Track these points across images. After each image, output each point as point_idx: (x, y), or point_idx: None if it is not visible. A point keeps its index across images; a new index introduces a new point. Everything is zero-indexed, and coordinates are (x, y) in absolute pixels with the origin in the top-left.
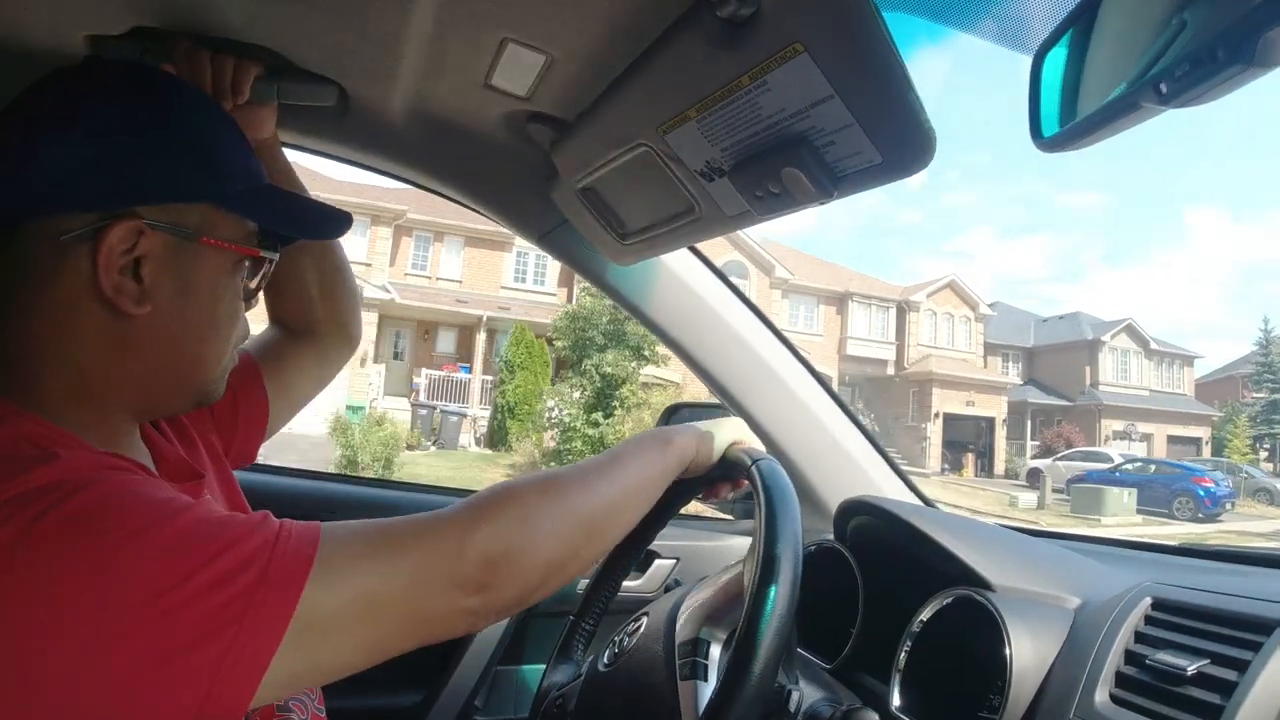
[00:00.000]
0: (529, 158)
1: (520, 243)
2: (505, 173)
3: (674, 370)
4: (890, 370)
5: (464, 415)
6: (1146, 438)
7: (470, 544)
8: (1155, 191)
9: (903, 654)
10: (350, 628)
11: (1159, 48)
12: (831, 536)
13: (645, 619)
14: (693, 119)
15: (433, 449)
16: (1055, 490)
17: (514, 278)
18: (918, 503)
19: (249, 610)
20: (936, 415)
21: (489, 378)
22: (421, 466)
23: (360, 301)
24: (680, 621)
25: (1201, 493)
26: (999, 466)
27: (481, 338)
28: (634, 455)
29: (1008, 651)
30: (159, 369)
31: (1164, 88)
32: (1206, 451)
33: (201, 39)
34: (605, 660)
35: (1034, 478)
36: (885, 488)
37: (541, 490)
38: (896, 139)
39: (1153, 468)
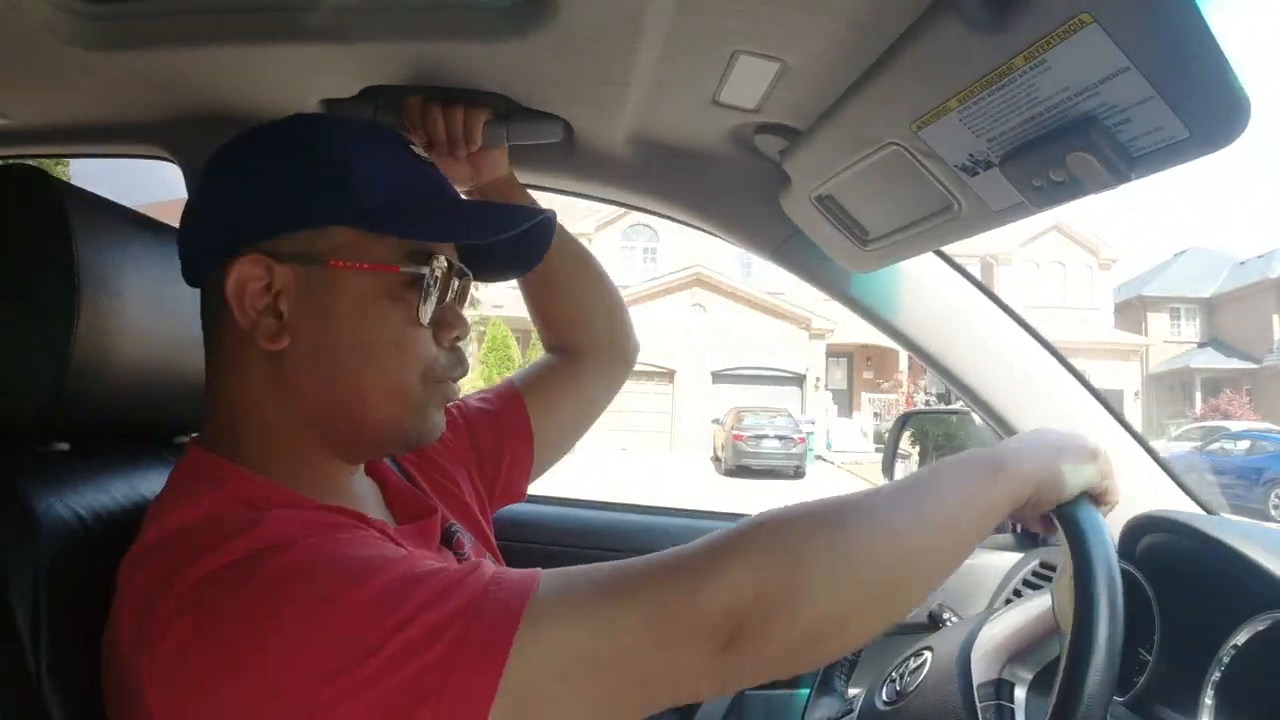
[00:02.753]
0: (757, 171)
1: None
2: (733, 188)
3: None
4: None
5: None
6: None
7: (713, 587)
8: None
9: (1210, 688)
10: (570, 695)
11: None
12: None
13: (929, 655)
14: (954, 110)
15: None
16: None
17: None
18: (1204, 514)
19: (449, 681)
20: None
21: None
22: None
23: (629, 314)
24: (975, 659)
25: None
26: None
27: None
28: (947, 483)
29: None
30: (326, 405)
31: None
32: None
33: (431, 92)
34: (884, 697)
35: None
36: (1168, 499)
37: (815, 522)
38: (1204, 109)
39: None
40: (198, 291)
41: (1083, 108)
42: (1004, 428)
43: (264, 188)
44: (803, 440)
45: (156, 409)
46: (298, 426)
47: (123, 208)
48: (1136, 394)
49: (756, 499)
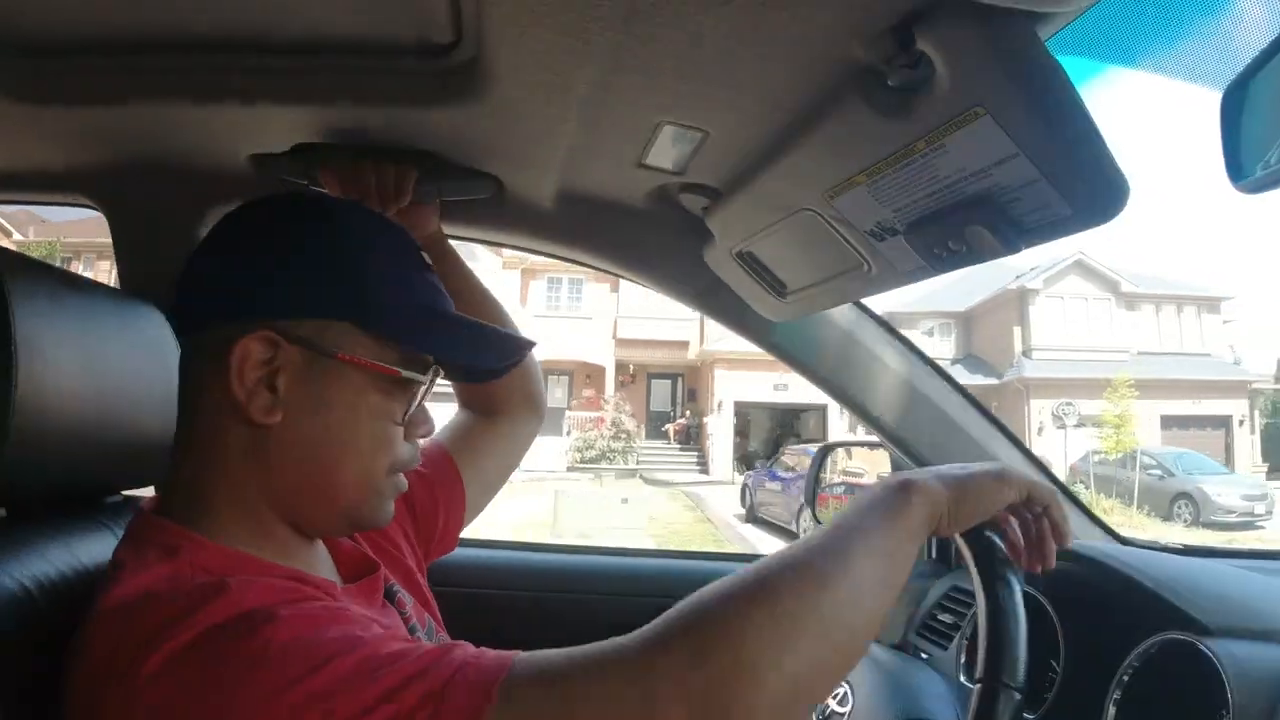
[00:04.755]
0: (681, 224)
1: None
2: (657, 240)
3: None
4: (691, 355)
5: None
6: (1121, 425)
7: (665, 695)
8: None
9: (1111, 704)
10: None
11: None
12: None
13: (847, 690)
14: (862, 184)
15: None
16: None
17: None
18: (1110, 542)
19: None
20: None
21: None
22: None
23: (540, 372)
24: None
25: None
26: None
27: None
28: (865, 516)
29: (1230, 699)
30: (297, 483)
31: None
32: (1243, 434)
33: (361, 150)
34: None
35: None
36: (1074, 528)
37: (746, 601)
38: (1086, 190)
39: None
40: (127, 352)
41: (978, 187)
42: (917, 462)
43: (285, 268)
44: None
45: (91, 472)
46: (265, 499)
47: (57, 269)
48: (842, 412)
49: None
